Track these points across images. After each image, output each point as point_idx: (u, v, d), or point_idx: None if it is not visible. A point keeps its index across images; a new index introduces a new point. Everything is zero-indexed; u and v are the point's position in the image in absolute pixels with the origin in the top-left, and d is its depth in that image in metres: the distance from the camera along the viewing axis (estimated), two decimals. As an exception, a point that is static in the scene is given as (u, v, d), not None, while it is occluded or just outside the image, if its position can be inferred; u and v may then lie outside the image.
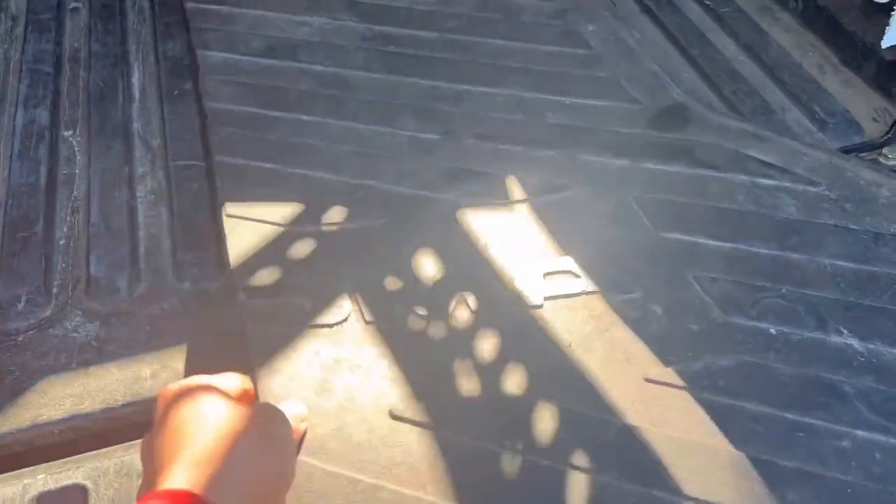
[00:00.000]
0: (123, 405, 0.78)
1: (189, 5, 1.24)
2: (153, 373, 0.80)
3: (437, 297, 0.85)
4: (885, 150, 1.09)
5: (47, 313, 0.85)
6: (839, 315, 0.86)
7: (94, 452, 0.74)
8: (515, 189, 0.98)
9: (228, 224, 0.91)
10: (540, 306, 0.85)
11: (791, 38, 1.24)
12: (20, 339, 0.83)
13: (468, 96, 1.11)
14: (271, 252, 0.89)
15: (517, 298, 0.86)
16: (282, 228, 0.92)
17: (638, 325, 0.83)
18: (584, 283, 0.88)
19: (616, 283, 0.87)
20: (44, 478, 0.72)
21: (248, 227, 0.92)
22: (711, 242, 0.92)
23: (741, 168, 1.02)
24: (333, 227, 0.92)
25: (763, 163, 1.04)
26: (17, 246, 0.95)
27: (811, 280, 0.89)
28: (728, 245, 0.93)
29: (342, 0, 1.26)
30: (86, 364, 0.81)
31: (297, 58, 1.17)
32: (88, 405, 0.77)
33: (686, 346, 0.82)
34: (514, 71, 1.15)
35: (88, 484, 0.72)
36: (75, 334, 0.84)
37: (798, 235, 0.94)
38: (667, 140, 1.06)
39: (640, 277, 0.88)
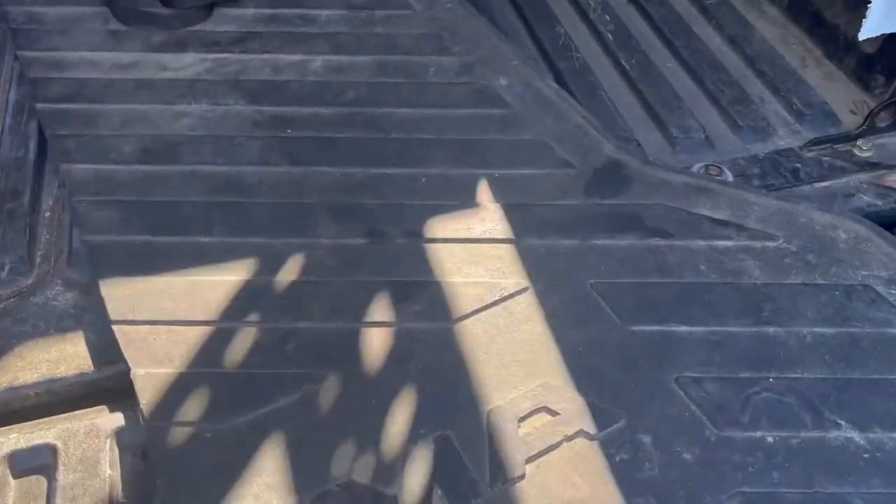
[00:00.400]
0: (97, 371, 0.83)
1: (41, 107, 1.05)
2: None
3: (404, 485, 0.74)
4: (859, 143, 1.09)
5: (29, 282, 0.90)
6: (832, 401, 0.81)
7: (66, 415, 0.80)
8: (460, 300, 0.87)
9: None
10: (523, 477, 0.75)
11: (776, 32, 1.27)
12: (1, 305, 0.89)
13: (387, 182, 0.99)
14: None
15: (497, 470, 0.75)
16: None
17: (630, 472, 0.75)
18: (564, 422, 0.78)
19: (596, 412, 0.79)
20: (16, 437, 0.76)
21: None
22: (684, 328, 0.87)
23: (695, 231, 0.96)
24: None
25: (715, 221, 0.98)
26: (2, 216, 0.97)
27: (795, 359, 0.84)
28: (701, 329, 0.87)
29: (223, 82, 1.09)
30: (63, 331, 0.87)
31: (181, 158, 1.01)
32: (63, 370, 0.83)
33: (685, 489, 0.75)
34: (432, 144, 1.04)
35: (59, 444, 0.77)
36: (55, 302, 0.90)
37: (770, 303, 0.89)
38: (610, 207, 0.98)
39: (621, 395, 0.80)
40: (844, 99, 1.13)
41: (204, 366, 0.80)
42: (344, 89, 1.10)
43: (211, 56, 1.07)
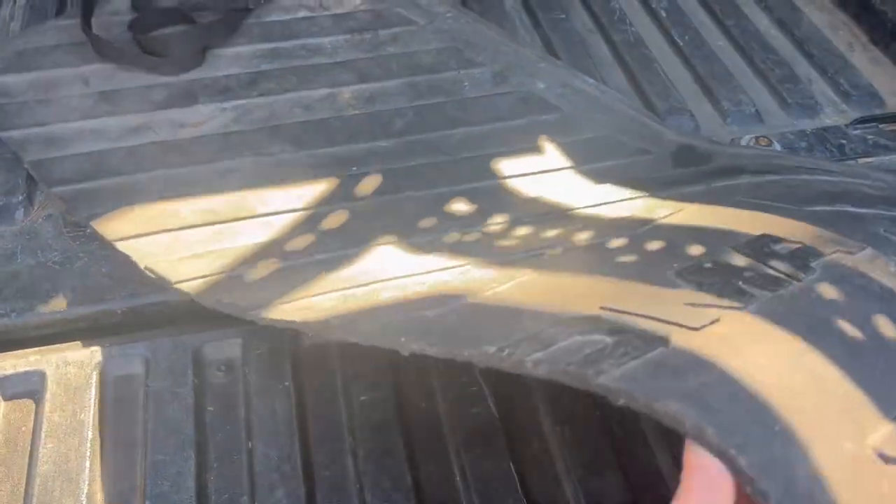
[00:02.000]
0: (178, 294, 0.82)
1: (58, 190, 0.92)
2: None
3: None
4: (902, 122, 1.11)
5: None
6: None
7: (151, 332, 0.84)
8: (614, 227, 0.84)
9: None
10: None
11: (824, 17, 1.28)
12: (87, 230, 0.90)
13: (477, 194, 0.93)
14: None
15: None
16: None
17: None
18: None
19: (837, 241, 0.71)
20: (108, 348, 0.81)
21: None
22: (860, 210, 0.81)
23: (798, 172, 0.94)
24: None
25: (808, 168, 0.95)
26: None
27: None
28: (872, 211, 0.81)
29: (257, 130, 0.99)
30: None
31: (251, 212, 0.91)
32: (147, 292, 0.85)
33: None
34: (503, 156, 0.98)
35: (148, 354, 0.81)
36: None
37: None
38: (710, 168, 0.96)
39: (844, 237, 0.72)
40: (889, 82, 1.15)
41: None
42: (389, 119, 1.03)
43: (229, 104, 1.02)
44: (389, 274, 0.80)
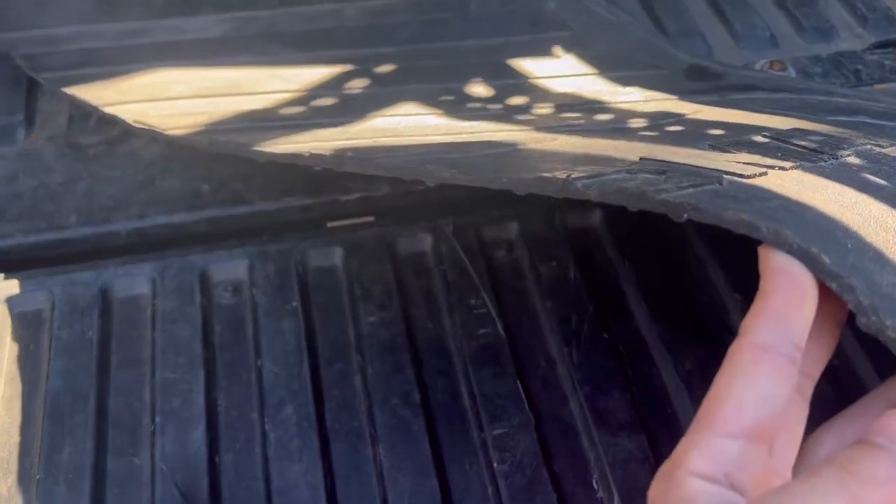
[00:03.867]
0: (184, 216, 0.86)
1: (46, 76, 0.92)
2: (212, 189, 0.87)
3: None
4: (918, 46, 1.08)
5: (115, 133, 0.90)
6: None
7: (157, 253, 0.83)
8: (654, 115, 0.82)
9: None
10: None
11: None
12: (91, 152, 0.91)
13: (497, 85, 0.92)
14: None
15: None
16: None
17: None
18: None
19: None
20: (114, 269, 0.81)
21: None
22: (878, 121, 0.80)
23: (812, 92, 0.94)
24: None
25: (821, 90, 0.96)
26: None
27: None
28: (892, 123, 0.80)
29: (257, 36, 0.99)
30: (151, 178, 0.90)
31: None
32: (152, 214, 0.86)
33: None
34: (518, 62, 0.97)
35: (154, 275, 0.81)
36: (142, 152, 0.91)
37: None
38: (725, 83, 0.96)
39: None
40: (907, 7, 1.12)
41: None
42: (395, 29, 1.02)
43: (229, 15, 1.01)
44: (404, 132, 0.78)
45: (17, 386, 0.74)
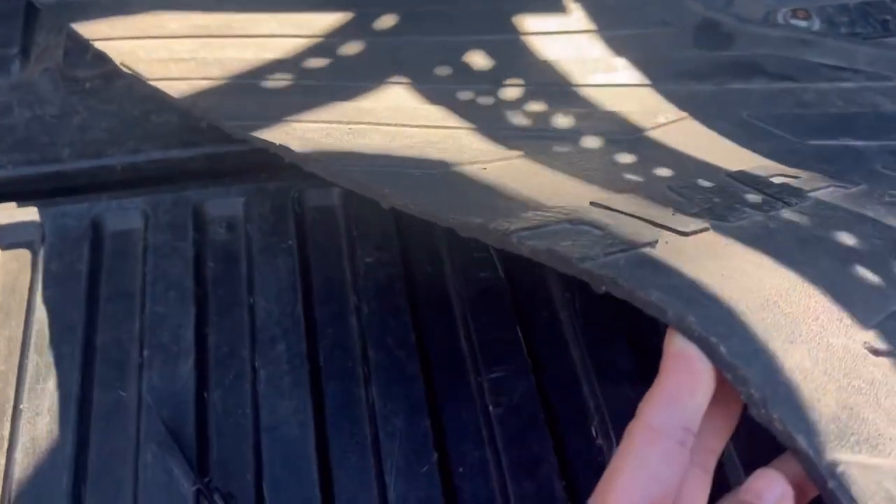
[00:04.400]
0: (180, 151, 0.84)
1: None
2: (209, 126, 0.80)
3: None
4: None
5: (112, 67, 0.83)
6: None
7: (152, 188, 0.81)
8: (632, 121, 0.81)
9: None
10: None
11: None
12: (87, 85, 0.89)
13: (486, 47, 0.89)
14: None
15: None
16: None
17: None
18: (812, 180, 0.71)
19: (834, 176, 0.72)
20: (107, 202, 0.80)
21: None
22: (861, 142, 0.81)
23: (817, 75, 0.91)
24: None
25: (830, 66, 0.93)
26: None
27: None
28: (875, 143, 0.81)
29: None
30: (147, 113, 0.88)
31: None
32: (148, 149, 0.84)
33: None
34: (519, 9, 0.94)
35: (147, 209, 0.79)
36: (139, 87, 0.84)
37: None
38: (728, 58, 0.93)
39: (842, 175, 0.73)
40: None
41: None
42: None
43: None
44: (381, 118, 0.76)
45: (5, 316, 0.72)
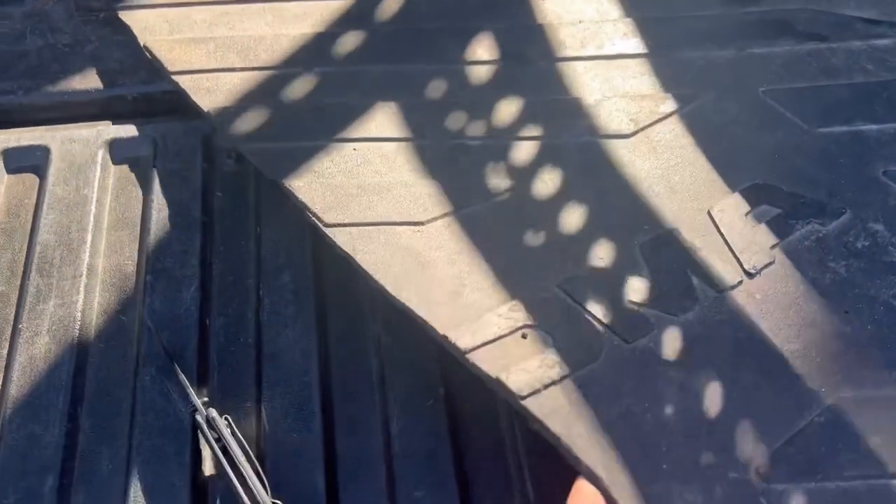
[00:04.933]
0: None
1: None
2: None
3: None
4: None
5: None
6: None
7: (162, 118, 0.79)
8: (630, 116, 0.79)
9: None
10: (772, 263, 0.68)
11: None
12: (101, 15, 0.88)
13: (506, 2, 0.89)
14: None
15: (747, 257, 0.69)
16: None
17: (877, 256, 0.69)
18: (792, 216, 0.72)
19: (819, 205, 0.73)
20: (116, 128, 0.78)
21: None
22: (873, 126, 0.79)
23: (850, 32, 0.88)
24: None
25: (866, 20, 0.90)
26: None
27: None
28: (891, 126, 0.79)
29: None
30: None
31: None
32: (160, 78, 0.80)
33: None
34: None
35: (157, 137, 0.77)
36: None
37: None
38: (756, 15, 0.90)
39: (834, 191, 0.74)
40: None
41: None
42: None
43: None
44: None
45: (8, 238, 0.71)
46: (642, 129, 0.77)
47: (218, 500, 0.58)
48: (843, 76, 0.84)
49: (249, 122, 0.74)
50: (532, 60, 0.83)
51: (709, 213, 0.71)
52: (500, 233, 0.68)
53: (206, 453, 0.60)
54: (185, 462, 0.59)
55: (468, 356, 0.60)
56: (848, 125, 0.79)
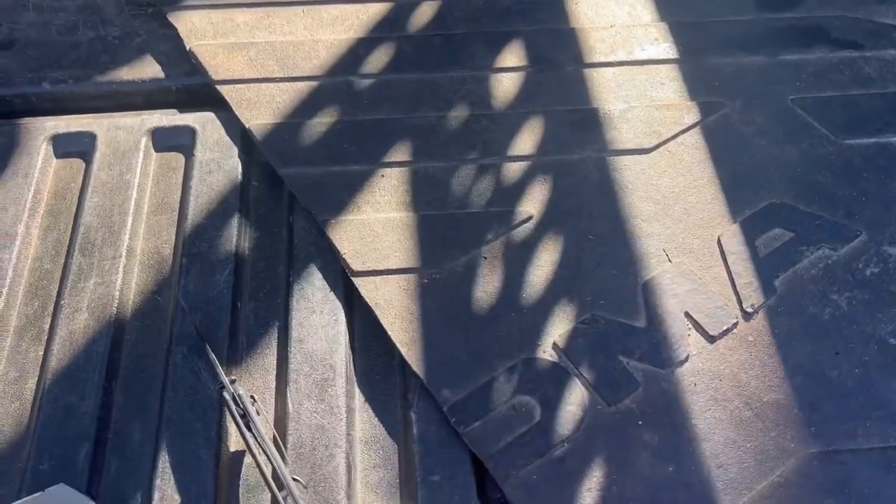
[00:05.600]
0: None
1: None
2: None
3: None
4: None
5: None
6: None
7: (203, 109, 0.83)
8: (655, 125, 0.80)
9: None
10: (774, 293, 0.69)
11: None
12: (150, 10, 0.91)
13: (537, 7, 0.91)
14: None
15: (747, 291, 0.69)
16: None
17: (884, 284, 0.69)
18: (803, 240, 0.72)
19: (833, 227, 0.73)
20: (159, 117, 0.81)
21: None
22: None
23: (887, 41, 0.87)
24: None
25: None
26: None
27: None
28: None
29: None
30: None
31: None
32: (201, 74, 0.84)
33: None
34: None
35: (198, 127, 0.80)
36: None
37: None
38: (789, 21, 0.90)
39: (854, 210, 0.74)
40: None
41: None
42: None
43: None
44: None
45: (55, 219, 0.74)
46: (664, 142, 0.78)
47: (241, 475, 0.61)
48: (875, 86, 0.83)
49: (286, 140, 0.77)
50: (561, 65, 0.84)
51: (718, 240, 0.71)
52: (510, 275, 0.69)
53: (232, 429, 0.62)
54: (211, 437, 0.61)
55: (460, 426, 0.62)
56: (877, 137, 0.79)
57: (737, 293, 0.68)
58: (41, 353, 0.67)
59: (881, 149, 0.78)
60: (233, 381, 0.62)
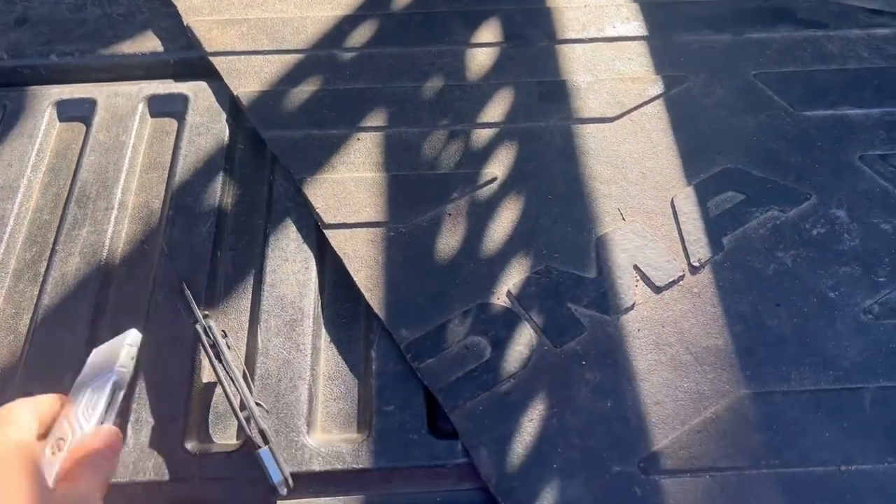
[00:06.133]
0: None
1: None
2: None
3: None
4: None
5: None
6: None
7: (196, 79, 0.88)
8: (619, 96, 0.84)
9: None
10: (721, 249, 0.72)
11: None
12: None
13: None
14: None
15: (695, 248, 0.73)
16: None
17: (830, 244, 0.73)
18: (754, 202, 0.76)
19: (784, 191, 0.76)
20: (156, 86, 0.87)
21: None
22: (859, 111, 0.83)
23: (851, 21, 0.91)
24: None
25: (869, 11, 0.93)
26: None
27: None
28: (877, 110, 0.83)
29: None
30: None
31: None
32: (196, 48, 0.90)
33: (890, 255, 0.72)
34: None
35: (190, 94, 0.86)
36: None
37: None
38: (757, 3, 0.94)
39: (805, 176, 0.77)
40: None
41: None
42: None
43: None
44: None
45: (55, 175, 0.80)
46: (627, 111, 0.82)
47: (212, 403, 0.66)
48: (836, 62, 0.87)
49: (271, 106, 0.83)
50: (534, 41, 0.89)
51: (672, 201, 0.75)
52: (472, 230, 0.73)
53: (205, 363, 0.67)
54: (185, 368, 0.66)
55: (415, 363, 0.66)
56: (833, 109, 0.82)
57: (685, 249, 0.71)
58: (36, 292, 0.72)
59: (837, 120, 0.81)
60: (206, 317, 0.67)
